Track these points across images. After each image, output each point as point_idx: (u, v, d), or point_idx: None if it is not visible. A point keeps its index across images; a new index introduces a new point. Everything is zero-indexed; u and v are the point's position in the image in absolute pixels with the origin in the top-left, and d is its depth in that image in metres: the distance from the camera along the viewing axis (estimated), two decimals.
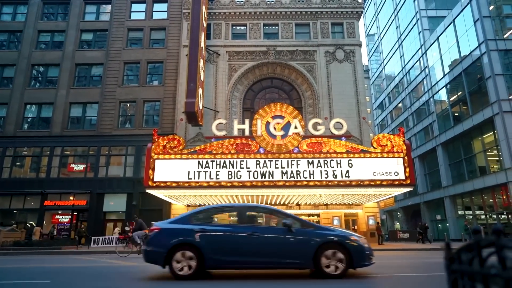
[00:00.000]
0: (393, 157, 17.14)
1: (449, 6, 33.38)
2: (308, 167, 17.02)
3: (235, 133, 20.65)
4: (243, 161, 17.14)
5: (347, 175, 16.84)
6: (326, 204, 23.67)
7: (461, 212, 30.64)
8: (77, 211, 25.37)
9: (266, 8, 29.26)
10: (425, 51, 35.67)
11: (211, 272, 7.32)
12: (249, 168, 17.06)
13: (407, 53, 40.69)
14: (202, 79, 25.41)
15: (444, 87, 32.29)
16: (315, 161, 17.09)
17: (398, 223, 46.41)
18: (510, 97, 24.65)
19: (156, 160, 17.16)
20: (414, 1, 38.07)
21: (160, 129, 25.06)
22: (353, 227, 23.95)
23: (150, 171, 17.00)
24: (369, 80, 57.89)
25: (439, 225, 34.47)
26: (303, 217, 9.25)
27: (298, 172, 16.99)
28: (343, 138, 18.20)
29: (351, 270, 6.44)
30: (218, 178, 16.93)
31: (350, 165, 16.96)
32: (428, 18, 36.49)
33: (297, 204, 23.48)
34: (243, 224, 6.71)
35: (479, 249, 1.26)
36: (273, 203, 22.23)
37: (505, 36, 26.41)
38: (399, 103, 43.59)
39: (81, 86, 28.40)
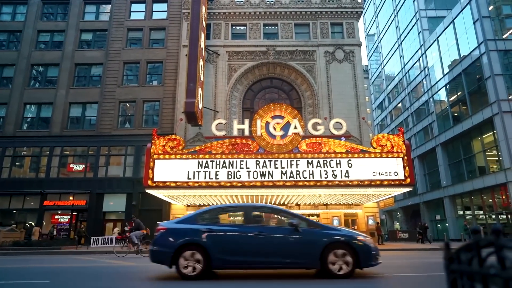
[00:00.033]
0: (393, 157, 17.15)
1: (448, 6, 33.42)
2: (308, 167, 17.02)
3: (235, 133, 20.64)
4: (242, 161, 17.13)
5: (346, 175, 16.85)
6: (326, 204, 23.67)
7: (460, 212, 30.67)
8: (76, 211, 25.35)
9: (265, 8, 29.26)
10: (425, 51, 35.69)
11: (217, 272, 7.30)
12: (248, 168, 17.06)
13: (407, 53, 40.71)
14: (201, 79, 25.40)
15: (444, 87, 32.32)
16: (315, 161, 17.09)
17: (397, 223, 46.43)
18: (510, 97, 24.67)
19: (155, 160, 17.15)
20: (413, 1, 38.10)
21: (159, 129, 25.05)
22: (352, 227, 23.93)
23: (150, 171, 16.99)
24: (368, 80, 57.92)
25: (439, 225, 34.49)
26: None
27: (298, 172, 16.99)
28: (342, 138, 18.21)
29: (355, 270, 6.42)
30: (218, 178, 16.92)
31: (350, 165, 16.97)
32: (427, 18, 36.52)
33: (297, 204, 23.48)
34: (249, 224, 6.72)
35: (478, 249, 1.26)
36: (272, 203, 22.23)
37: (504, 36, 26.43)
38: (398, 103, 43.61)
39: (81, 86, 28.39)
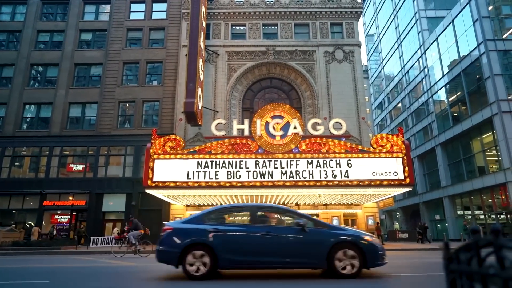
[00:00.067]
0: (392, 157, 17.16)
1: (448, 7, 33.44)
2: (308, 167, 17.03)
3: (235, 133, 20.64)
4: (242, 161, 17.14)
5: (346, 175, 16.86)
6: (325, 204, 23.68)
7: (460, 212, 30.68)
8: (76, 211, 25.34)
9: (265, 8, 29.26)
10: (424, 51, 35.71)
11: (221, 272, 7.29)
12: (248, 168, 17.06)
13: (406, 53, 40.73)
14: (201, 79, 25.40)
15: (443, 87, 32.33)
16: (314, 161, 17.10)
17: (397, 223, 46.44)
18: (509, 97, 24.68)
19: (155, 160, 17.15)
20: (413, 2, 38.11)
21: (159, 129, 25.05)
22: (352, 227, 23.92)
23: (149, 171, 16.99)
24: (368, 80, 57.93)
25: (438, 225, 34.51)
26: None
27: (298, 172, 17.00)
28: (342, 138, 18.21)
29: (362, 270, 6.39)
30: (218, 178, 16.92)
31: (349, 165, 16.98)
32: (427, 18, 36.53)
33: (296, 204, 23.48)
34: (256, 224, 6.72)
35: (477, 249, 1.26)
36: (272, 203, 22.21)
37: (504, 37, 26.45)
38: (398, 103, 43.63)
39: (80, 86, 28.36)
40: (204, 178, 16.87)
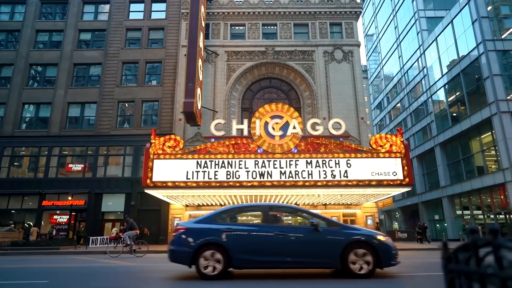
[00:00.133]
0: (391, 157, 17.18)
1: (447, 7, 33.49)
2: (307, 167, 17.03)
3: (234, 133, 20.63)
4: (241, 161, 17.13)
5: (345, 175, 16.87)
6: (325, 204, 23.69)
7: (459, 212, 30.73)
8: (75, 211, 25.30)
9: (264, 8, 29.25)
10: (424, 52, 35.75)
11: (232, 271, 7.27)
12: (247, 168, 17.06)
13: (406, 53, 40.77)
14: (200, 79, 25.38)
15: (442, 87, 32.37)
16: (314, 161, 17.10)
17: (396, 223, 46.49)
18: (508, 98, 24.72)
19: (154, 160, 17.14)
20: (412, 2, 38.14)
21: (158, 129, 25.04)
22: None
23: (149, 171, 16.98)
24: (367, 80, 57.97)
25: (437, 225, 34.55)
26: None
27: (297, 172, 17.00)
28: (341, 138, 18.22)
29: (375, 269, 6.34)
30: (217, 178, 16.92)
31: (349, 165, 16.99)
32: (426, 18, 36.57)
33: (296, 204, 23.49)
34: (268, 223, 6.71)
35: (476, 249, 1.27)
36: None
37: (503, 37, 26.50)
38: (397, 103, 43.67)
39: (79, 86, 28.32)
40: (204, 178, 16.87)
